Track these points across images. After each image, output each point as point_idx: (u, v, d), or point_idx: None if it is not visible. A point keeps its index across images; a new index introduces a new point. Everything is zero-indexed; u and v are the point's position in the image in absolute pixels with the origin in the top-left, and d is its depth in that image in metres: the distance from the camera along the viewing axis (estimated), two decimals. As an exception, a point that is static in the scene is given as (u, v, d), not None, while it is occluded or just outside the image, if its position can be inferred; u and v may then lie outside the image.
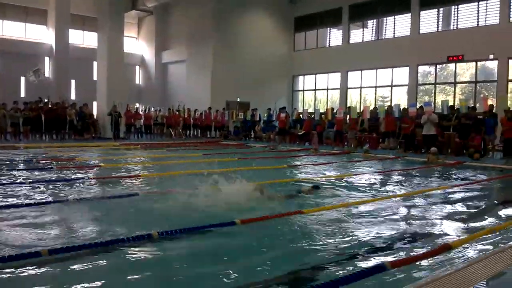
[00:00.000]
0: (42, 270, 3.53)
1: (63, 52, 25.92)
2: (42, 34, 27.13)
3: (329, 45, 27.32)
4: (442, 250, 4.10)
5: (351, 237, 4.66)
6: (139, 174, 9.16)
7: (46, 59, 26.84)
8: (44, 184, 7.46)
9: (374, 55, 23.68)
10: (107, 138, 20.41)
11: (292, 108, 25.52)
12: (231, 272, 3.54)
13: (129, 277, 3.47)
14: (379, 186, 8.22)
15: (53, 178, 8.27)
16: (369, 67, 24.53)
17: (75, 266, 3.63)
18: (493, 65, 20.11)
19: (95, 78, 24.90)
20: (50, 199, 6.24)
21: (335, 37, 26.97)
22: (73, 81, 27.62)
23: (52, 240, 4.32)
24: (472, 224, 5.42)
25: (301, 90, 29.01)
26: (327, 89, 27.37)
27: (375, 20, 24.87)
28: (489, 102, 15.65)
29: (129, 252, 4.00)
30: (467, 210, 6.24)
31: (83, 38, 29.59)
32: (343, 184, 8.24)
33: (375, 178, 9.36)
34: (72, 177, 8.43)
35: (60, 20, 25.80)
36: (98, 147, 16.79)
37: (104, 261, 3.81)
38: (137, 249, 4.07)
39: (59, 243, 4.17)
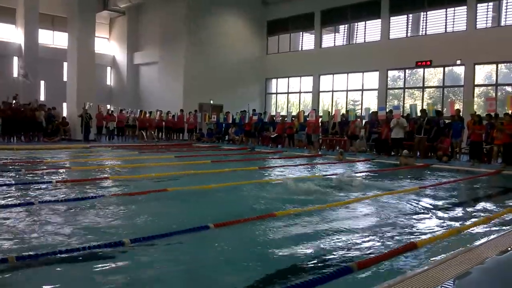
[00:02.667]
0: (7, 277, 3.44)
1: (32, 52, 25.30)
2: (11, 33, 26.45)
3: (301, 49, 27.56)
4: (408, 250, 4.19)
5: (318, 239, 4.71)
6: (108, 176, 9.05)
7: (15, 59, 26.17)
8: (10, 187, 7.32)
9: (345, 59, 24.02)
10: (77, 140, 20.05)
11: (264, 111, 25.61)
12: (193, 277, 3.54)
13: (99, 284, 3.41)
14: (348, 188, 8.33)
15: (20, 180, 8.10)
16: (341, 71, 24.85)
17: (43, 274, 3.55)
18: (460, 70, 20.69)
19: (65, 79, 24.43)
20: (16, 202, 6.08)
21: (307, 41, 27.21)
22: (42, 82, 27.02)
23: (19, 245, 4.20)
24: (438, 224, 5.57)
25: (274, 93, 29.14)
26: (300, 92, 27.59)
27: (346, 25, 25.22)
28: (456, 106, 16.06)
29: (97, 257, 3.94)
30: (434, 211, 6.39)
31: (53, 38, 28.95)
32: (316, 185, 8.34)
33: (345, 180, 9.47)
34: (38, 180, 8.25)
35: (29, 19, 25.19)
36: (68, 149, 16.50)
37: (74, 268, 3.73)
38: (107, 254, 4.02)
39: (26, 248, 4.07)
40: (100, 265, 3.78)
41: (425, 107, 16.96)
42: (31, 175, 8.92)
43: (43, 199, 6.31)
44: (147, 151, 16.43)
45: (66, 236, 4.57)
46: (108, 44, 32.38)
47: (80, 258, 3.90)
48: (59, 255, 3.86)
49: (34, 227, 4.89)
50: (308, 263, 3.98)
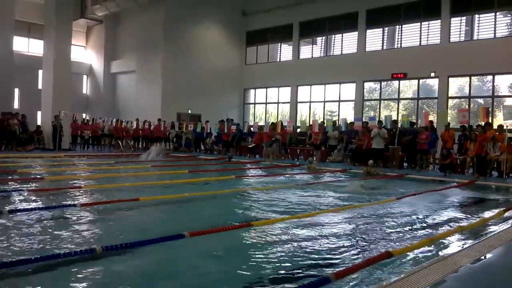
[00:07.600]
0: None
1: (7, 60, 24.80)
2: (-16, 40, 25.95)
3: (279, 60, 27.77)
4: (383, 259, 4.21)
5: (295, 250, 4.69)
6: (80, 186, 8.87)
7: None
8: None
9: (323, 70, 24.30)
10: (51, 150, 19.64)
11: (243, 121, 25.63)
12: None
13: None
14: (323, 198, 8.36)
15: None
16: (318, 82, 25.11)
17: (12, 283, 3.47)
18: (434, 82, 21.11)
19: (40, 87, 24.00)
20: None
21: (285, 52, 27.44)
22: (16, 90, 26.53)
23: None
24: (413, 233, 5.61)
25: (252, 103, 29.23)
26: (278, 103, 27.74)
27: (323, 37, 25.54)
28: (430, 118, 16.32)
29: (66, 265, 3.86)
30: (409, 221, 6.45)
31: (29, 46, 28.56)
32: (291, 195, 8.36)
33: (318, 191, 9.50)
34: (9, 188, 8.06)
35: (4, 26, 24.75)
36: (41, 158, 16.15)
37: (44, 276, 3.65)
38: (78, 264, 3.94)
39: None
40: (70, 273, 3.70)
41: (400, 118, 17.25)
42: (1, 184, 8.70)
43: (12, 208, 6.15)
44: (123, 160, 16.21)
45: (36, 244, 4.49)
46: (84, 53, 32.04)
47: (50, 266, 3.81)
48: (29, 263, 3.77)
49: (2, 236, 4.76)
50: (285, 273, 3.96)
